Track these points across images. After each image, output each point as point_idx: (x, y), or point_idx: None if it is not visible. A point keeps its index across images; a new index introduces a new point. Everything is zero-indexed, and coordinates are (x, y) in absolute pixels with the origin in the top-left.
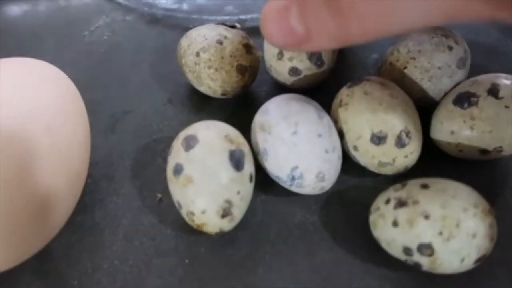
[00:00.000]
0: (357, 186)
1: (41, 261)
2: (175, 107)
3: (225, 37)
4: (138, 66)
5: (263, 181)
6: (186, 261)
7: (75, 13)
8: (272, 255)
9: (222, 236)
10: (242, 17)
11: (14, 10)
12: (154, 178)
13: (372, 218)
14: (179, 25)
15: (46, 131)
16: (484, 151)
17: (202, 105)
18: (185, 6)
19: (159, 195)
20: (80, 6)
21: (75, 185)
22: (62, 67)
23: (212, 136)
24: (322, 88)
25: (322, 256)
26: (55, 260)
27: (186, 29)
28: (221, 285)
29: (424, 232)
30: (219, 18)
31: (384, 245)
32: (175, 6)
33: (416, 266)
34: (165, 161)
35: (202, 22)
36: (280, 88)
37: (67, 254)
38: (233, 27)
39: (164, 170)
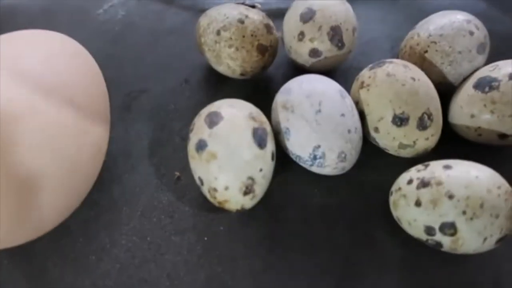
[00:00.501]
0: (375, 169)
1: (58, 237)
2: (192, 87)
3: (246, 16)
4: (154, 46)
5: (282, 162)
6: (205, 238)
7: None
8: (291, 235)
9: (240, 215)
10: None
11: None
12: (172, 156)
13: (393, 198)
14: (193, 6)
15: (70, 105)
16: (502, 136)
17: (219, 86)
18: None
19: (177, 174)
20: None
21: (96, 160)
22: None
23: (236, 113)
24: (339, 71)
25: (341, 237)
26: (72, 236)
27: (201, 10)
28: (240, 263)
29: (448, 212)
30: (232, 0)
31: (405, 225)
32: None
33: (437, 246)
34: (182, 140)
35: (216, 4)
36: (297, 70)
37: (85, 231)
38: (253, 6)
39: (181, 149)
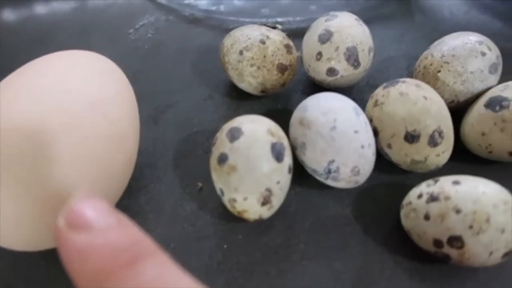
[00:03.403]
0: (388, 183)
1: None
2: (216, 103)
3: (267, 37)
4: (180, 63)
5: (298, 174)
6: (225, 246)
7: (120, 12)
8: (306, 244)
9: (258, 224)
10: (279, 19)
11: (64, 7)
12: (195, 168)
13: (404, 211)
14: (218, 26)
15: (104, 119)
16: None
17: (241, 102)
18: (222, 8)
19: (200, 184)
20: (125, 5)
21: (127, 170)
22: None
23: (256, 129)
24: (355, 89)
25: (354, 247)
26: None
27: (226, 30)
28: (257, 269)
29: (455, 226)
30: (255, 20)
31: (414, 237)
32: (213, 8)
33: (445, 259)
34: (205, 152)
35: (240, 24)
36: (315, 88)
37: None
38: (274, 28)
39: (204, 161)
